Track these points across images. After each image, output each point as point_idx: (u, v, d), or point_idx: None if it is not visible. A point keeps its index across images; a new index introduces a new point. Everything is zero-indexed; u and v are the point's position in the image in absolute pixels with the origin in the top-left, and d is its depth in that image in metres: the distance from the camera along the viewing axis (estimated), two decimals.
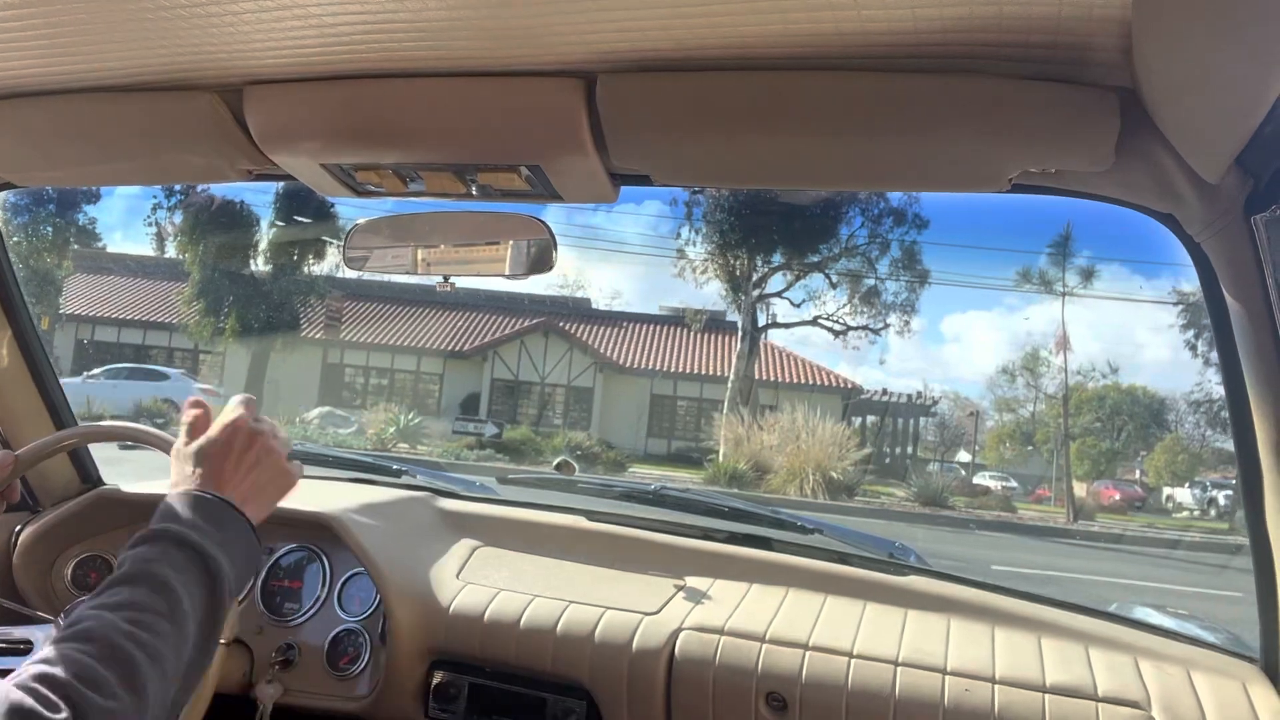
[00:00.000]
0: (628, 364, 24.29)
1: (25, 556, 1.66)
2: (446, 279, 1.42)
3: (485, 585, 1.57)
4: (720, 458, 17.55)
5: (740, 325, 20.94)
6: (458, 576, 1.60)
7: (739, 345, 20.55)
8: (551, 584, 1.57)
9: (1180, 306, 22.85)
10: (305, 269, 21.22)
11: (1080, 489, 23.69)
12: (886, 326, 22.01)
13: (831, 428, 16.73)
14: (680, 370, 24.36)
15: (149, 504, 1.74)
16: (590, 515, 1.78)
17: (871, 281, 21.62)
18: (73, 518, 1.70)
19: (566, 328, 24.67)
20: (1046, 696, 1.27)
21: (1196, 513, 23.37)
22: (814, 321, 21.93)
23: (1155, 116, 0.94)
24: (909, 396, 26.02)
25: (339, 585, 1.62)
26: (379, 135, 1.16)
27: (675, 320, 25.71)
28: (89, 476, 1.82)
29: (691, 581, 1.58)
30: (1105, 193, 1.12)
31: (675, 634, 1.42)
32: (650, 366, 24.31)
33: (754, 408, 18.85)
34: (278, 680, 1.53)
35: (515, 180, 1.21)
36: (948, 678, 1.31)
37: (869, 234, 20.84)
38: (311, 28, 1.00)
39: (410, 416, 18.93)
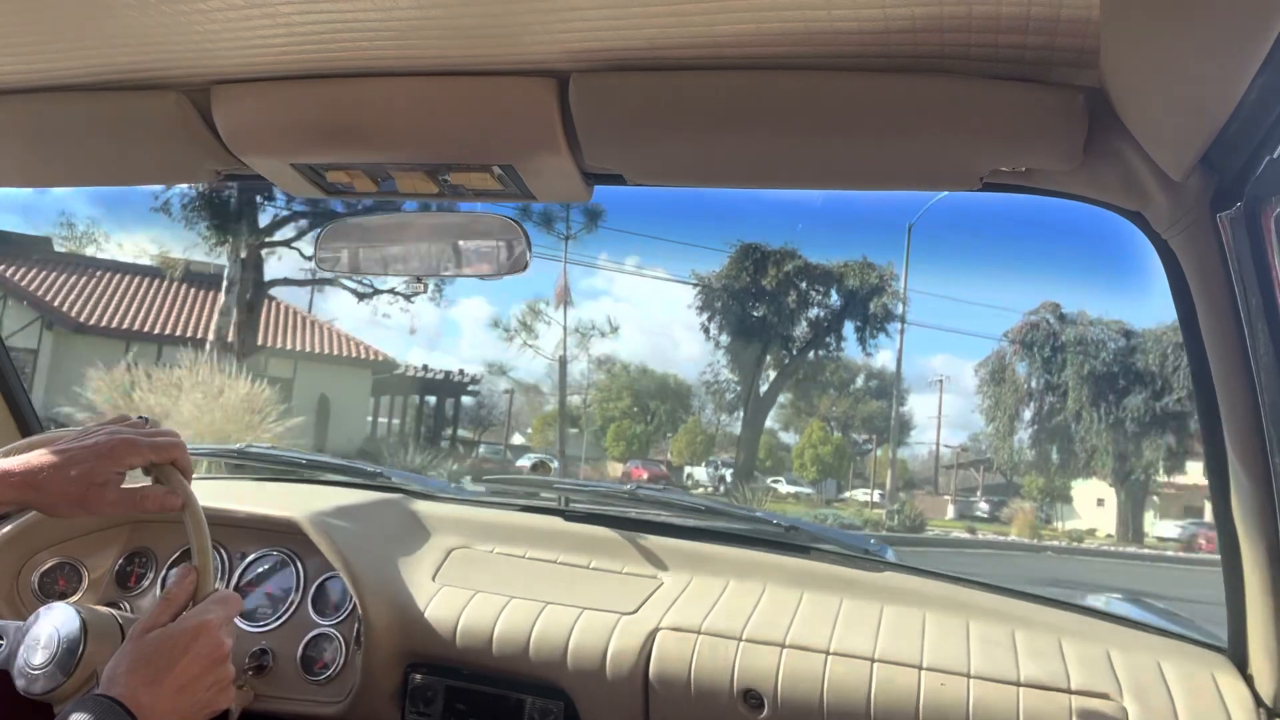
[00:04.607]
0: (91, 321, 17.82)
1: None
2: (420, 279, 1.41)
3: (461, 587, 1.56)
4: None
5: (227, 276, 16.86)
6: (433, 579, 1.59)
7: (223, 299, 16.71)
8: (528, 585, 1.56)
9: (698, 287, 23.95)
10: None
11: (616, 469, 26.09)
12: (419, 292, 20.41)
13: (249, 393, 12.97)
14: (162, 331, 18.24)
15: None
16: (566, 515, 1.77)
17: None
18: (41, 523, 1.67)
19: None
20: (1020, 690, 1.28)
21: (710, 488, 25.97)
22: (332, 280, 18.77)
23: (1122, 116, 0.95)
24: (448, 374, 24.50)
25: (312, 589, 1.61)
26: (350, 135, 1.15)
27: (153, 272, 19.92)
28: None
29: (668, 580, 1.57)
30: (1075, 191, 1.13)
31: (653, 634, 1.42)
32: (122, 326, 18.05)
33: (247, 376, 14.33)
34: (250, 685, 1.51)
35: (488, 180, 1.21)
36: (923, 673, 1.32)
37: None
38: (280, 26, 0.99)
39: None
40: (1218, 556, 1.26)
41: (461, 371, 25.03)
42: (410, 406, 24.15)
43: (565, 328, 23.29)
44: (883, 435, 27.97)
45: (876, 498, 25.57)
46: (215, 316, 16.84)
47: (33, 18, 1.01)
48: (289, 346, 19.31)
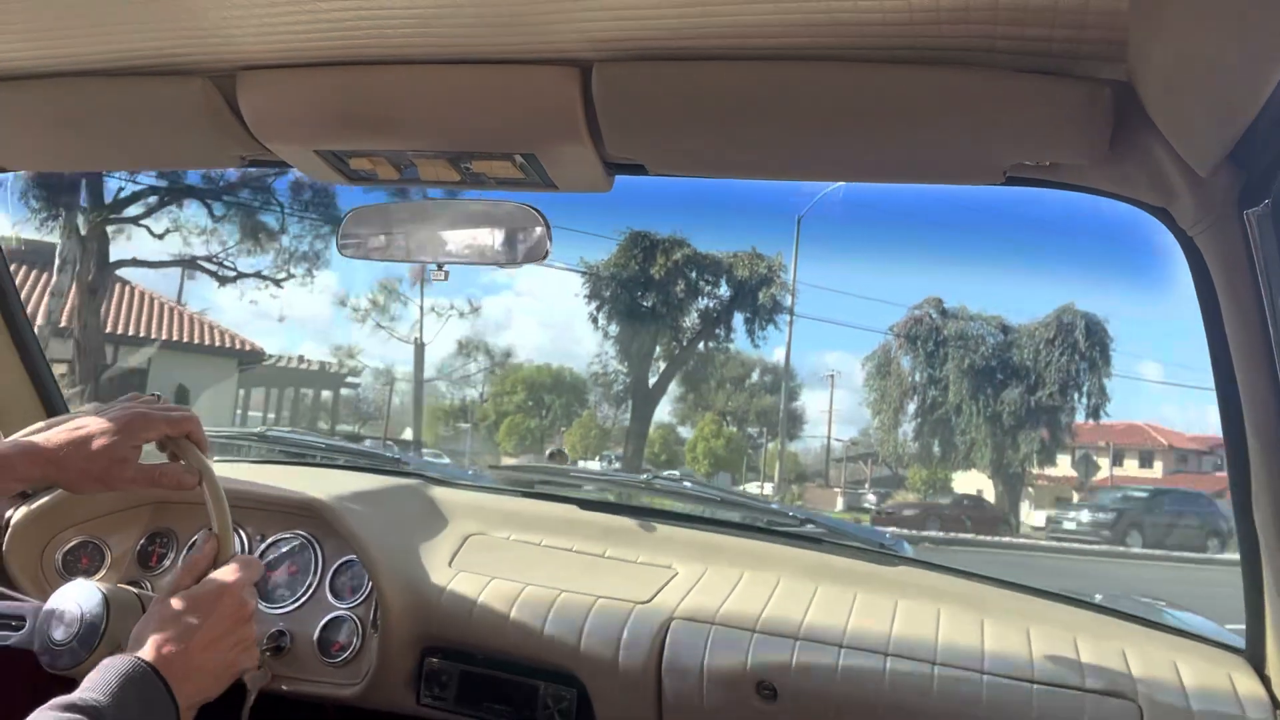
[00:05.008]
0: None
1: (16, 540, 1.66)
2: (440, 266, 1.42)
3: (477, 573, 1.57)
4: None
5: (60, 254, 15.56)
6: (450, 564, 1.60)
7: (55, 279, 15.40)
8: (543, 572, 1.57)
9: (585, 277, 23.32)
10: None
11: (509, 463, 25.38)
12: (290, 276, 18.57)
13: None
14: None
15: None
16: (582, 504, 1.78)
17: (274, 220, 17.36)
18: (65, 502, 1.69)
19: None
20: (1034, 687, 1.28)
21: None
22: (190, 261, 17.38)
23: (1149, 110, 0.94)
24: (324, 364, 23.33)
25: (331, 572, 1.62)
26: (373, 122, 1.16)
27: None
28: None
29: (683, 570, 1.58)
30: (1100, 186, 1.13)
31: (666, 623, 1.43)
32: None
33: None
34: (267, 666, 1.53)
35: (510, 168, 1.21)
36: (937, 668, 1.32)
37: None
38: (305, 13, 1.00)
39: None
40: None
41: (341, 362, 24.04)
42: (285, 400, 23.17)
43: (422, 308, 22.52)
44: (776, 429, 28.16)
45: (768, 490, 25.55)
46: (45, 299, 15.41)
47: (62, 3, 1.02)
48: (143, 333, 17.75)
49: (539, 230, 1.36)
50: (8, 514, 1.68)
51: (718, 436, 28.28)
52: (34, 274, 16.71)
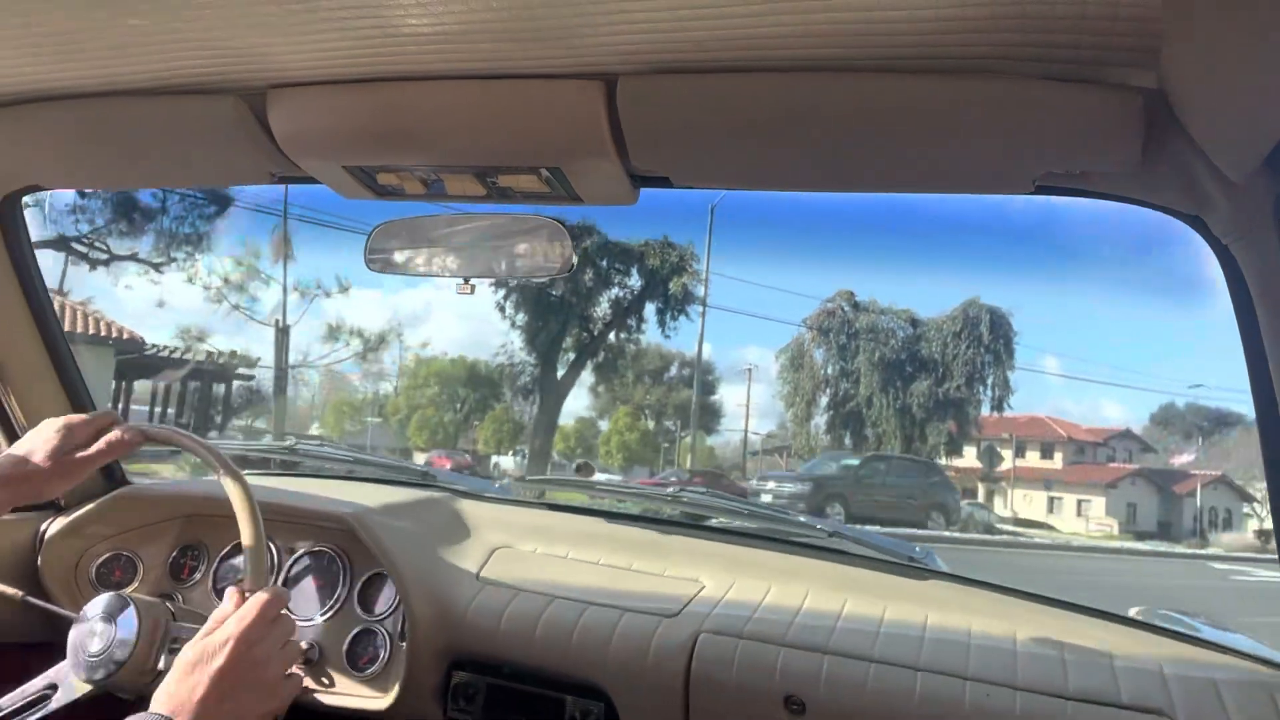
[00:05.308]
0: None
1: (50, 554, 1.68)
2: (466, 280, 1.43)
3: (504, 586, 1.57)
4: None
5: None
6: (477, 577, 1.61)
7: None
8: (570, 585, 1.57)
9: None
10: None
11: (420, 458, 24.97)
12: (171, 261, 17.75)
13: None
14: None
15: (173, 502, 1.76)
16: (609, 516, 1.78)
17: (153, 200, 16.15)
18: (97, 515, 1.71)
19: None
20: (1069, 703, 1.26)
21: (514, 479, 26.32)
22: (58, 242, 15.73)
23: (1182, 117, 0.92)
24: (210, 354, 21.61)
25: (359, 584, 1.63)
26: (401, 138, 1.17)
27: None
28: (113, 474, 1.84)
29: (710, 583, 1.57)
30: (1131, 194, 1.11)
31: (694, 636, 1.42)
32: None
33: None
34: (297, 678, 1.54)
35: (535, 182, 1.21)
36: (969, 683, 1.30)
37: None
38: (334, 31, 1.01)
39: None
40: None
41: (234, 353, 22.50)
42: (172, 393, 21.62)
43: (285, 286, 20.95)
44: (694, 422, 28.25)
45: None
46: None
47: (97, 25, 1.04)
48: None
49: (564, 243, 1.37)
50: (42, 527, 1.70)
51: (632, 430, 28.20)
52: None
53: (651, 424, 29.49)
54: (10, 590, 1.50)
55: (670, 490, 1.90)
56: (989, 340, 25.33)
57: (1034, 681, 1.29)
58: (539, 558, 1.69)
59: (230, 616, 1.10)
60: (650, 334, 25.06)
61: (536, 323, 24.23)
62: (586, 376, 26.73)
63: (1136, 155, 0.97)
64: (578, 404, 29.57)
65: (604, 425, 30.25)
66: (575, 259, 1.36)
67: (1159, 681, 1.28)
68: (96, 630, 1.26)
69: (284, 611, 1.14)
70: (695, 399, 25.95)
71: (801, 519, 1.84)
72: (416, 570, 1.56)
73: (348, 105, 1.15)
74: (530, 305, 23.81)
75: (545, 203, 1.30)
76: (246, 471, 1.34)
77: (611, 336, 24.96)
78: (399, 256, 1.48)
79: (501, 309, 24.23)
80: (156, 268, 17.80)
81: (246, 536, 1.21)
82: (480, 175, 1.22)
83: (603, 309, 24.01)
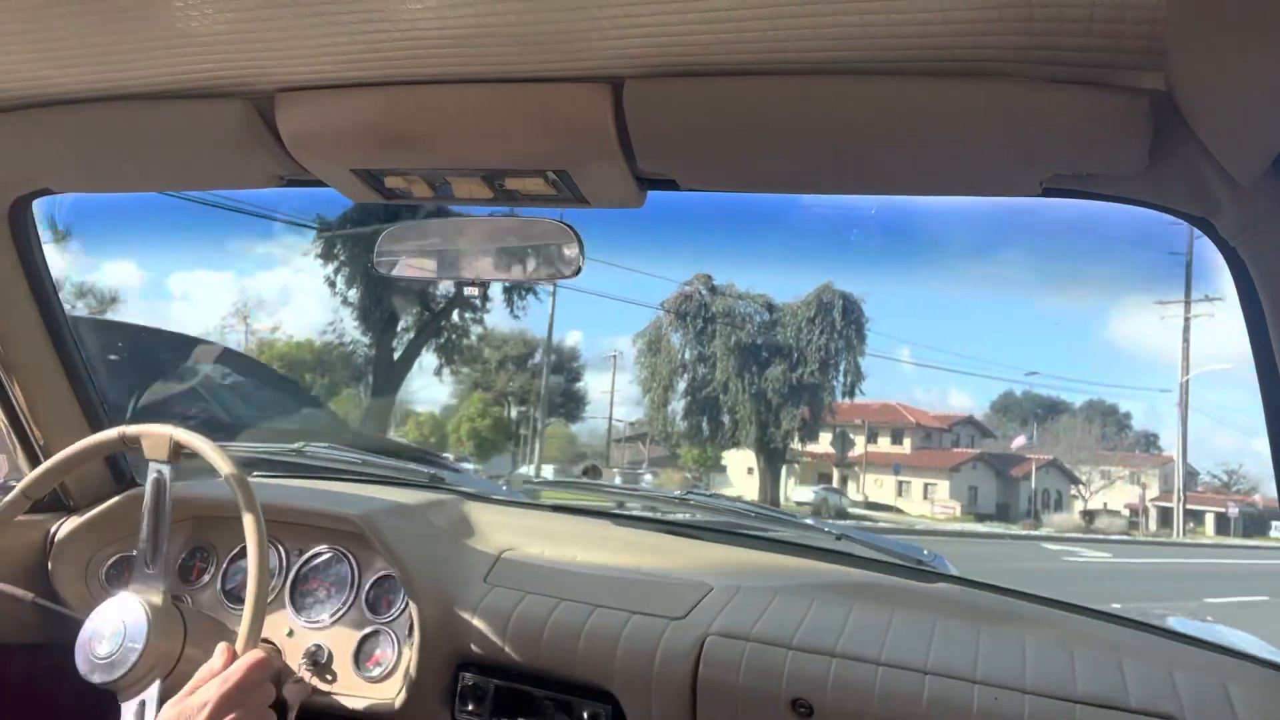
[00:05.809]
0: None
1: (61, 556, 1.69)
2: (475, 282, 1.43)
3: (512, 588, 1.57)
4: None
5: None
6: (485, 579, 1.61)
7: None
8: (578, 588, 1.57)
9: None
10: None
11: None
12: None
13: None
14: None
15: (182, 504, 1.77)
16: (617, 519, 1.78)
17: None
18: (107, 517, 1.72)
19: None
20: (1078, 707, 1.25)
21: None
22: None
23: (1190, 119, 0.92)
24: None
25: (367, 587, 1.63)
26: (409, 141, 1.17)
27: None
28: (123, 476, 1.85)
29: (717, 586, 1.57)
30: (1139, 196, 1.11)
31: (701, 639, 1.42)
32: None
33: None
34: (305, 681, 1.55)
35: (543, 185, 1.22)
36: (977, 687, 1.29)
37: None
38: (342, 35, 1.01)
39: None
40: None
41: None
42: None
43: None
44: (556, 409, 27.92)
45: (545, 472, 24.68)
46: None
47: (108, 29, 1.04)
48: None
49: (572, 245, 1.37)
50: (52, 529, 1.71)
51: (483, 416, 27.35)
52: None
53: (514, 412, 28.56)
54: (20, 592, 1.50)
55: (677, 493, 1.90)
56: (841, 326, 25.46)
57: (1043, 685, 1.29)
58: (546, 560, 1.69)
59: (214, 678, 1.11)
60: (495, 314, 24.24)
61: (369, 298, 22.42)
62: (430, 360, 25.29)
63: (1144, 158, 0.97)
64: (440, 392, 28.43)
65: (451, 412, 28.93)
66: (584, 261, 1.37)
67: (1169, 685, 1.28)
68: (106, 633, 1.27)
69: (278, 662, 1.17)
70: (544, 384, 25.39)
71: (809, 522, 1.84)
72: (424, 572, 1.56)
73: (355, 109, 1.15)
74: (361, 279, 21.82)
75: (553, 205, 1.30)
76: (253, 474, 1.35)
77: (454, 316, 23.79)
78: (408, 259, 1.49)
79: (331, 284, 22.52)
80: None
81: (251, 586, 1.22)
82: (487, 178, 1.22)
83: (444, 285, 21.80)
